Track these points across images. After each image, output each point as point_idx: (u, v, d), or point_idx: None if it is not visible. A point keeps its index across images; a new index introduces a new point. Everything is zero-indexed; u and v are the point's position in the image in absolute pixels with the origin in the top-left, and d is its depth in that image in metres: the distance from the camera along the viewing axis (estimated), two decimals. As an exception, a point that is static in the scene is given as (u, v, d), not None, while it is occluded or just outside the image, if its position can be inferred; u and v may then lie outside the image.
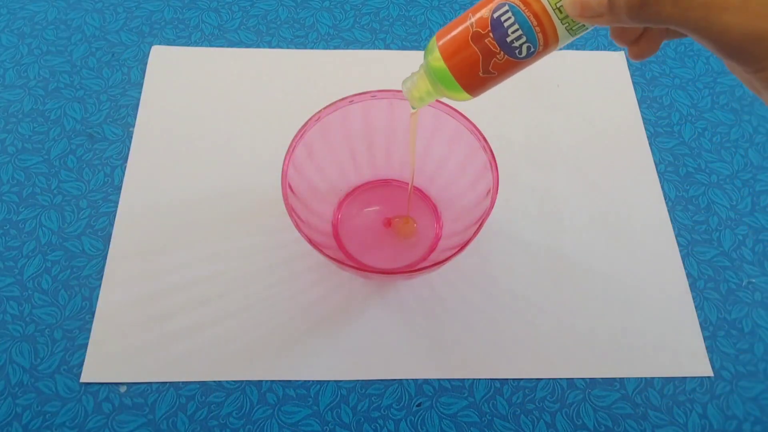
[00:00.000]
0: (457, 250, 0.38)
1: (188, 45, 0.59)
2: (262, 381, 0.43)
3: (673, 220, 0.51)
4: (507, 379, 0.44)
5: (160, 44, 0.59)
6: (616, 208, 0.51)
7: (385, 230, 0.49)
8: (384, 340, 0.45)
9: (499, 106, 0.56)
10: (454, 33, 0.30)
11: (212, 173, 0.52)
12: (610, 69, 0.59)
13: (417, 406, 0.43)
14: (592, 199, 0.51)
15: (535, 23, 0.28)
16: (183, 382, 0.43)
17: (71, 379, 0.43)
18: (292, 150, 0.41)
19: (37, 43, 0.58)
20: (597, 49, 0.60)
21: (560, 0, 0.27)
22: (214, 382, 0.43)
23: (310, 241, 0.38)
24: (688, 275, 0.48)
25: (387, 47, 0.59)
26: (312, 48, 0.59)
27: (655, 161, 0.53)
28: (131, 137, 0.53)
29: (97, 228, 0.49)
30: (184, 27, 0.60)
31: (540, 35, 0.28)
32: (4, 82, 0.56)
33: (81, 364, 0.43)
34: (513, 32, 0.28)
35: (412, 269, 0.43)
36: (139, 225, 0.49)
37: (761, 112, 0.57)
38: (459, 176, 0.46)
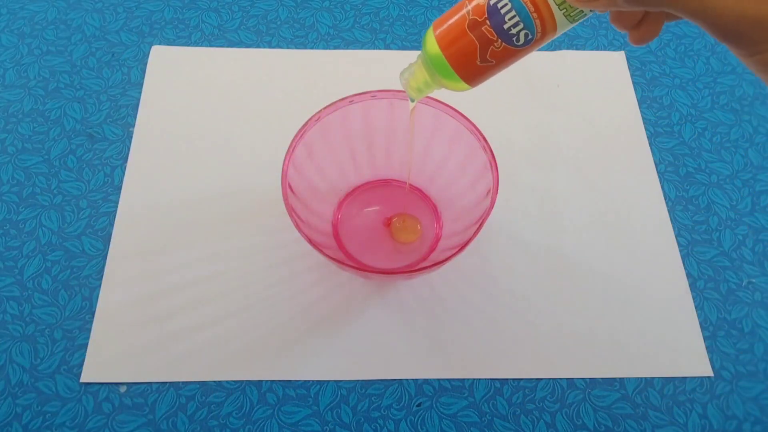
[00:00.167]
0: (457, 250, 0.38)
1: (188, 45, 0.59)
2: (262, 381, 0.43)
3: (673, 220, 0.51)
4: (507, 379, 0.44)
5: (160, 44, 0.59)
6: (616, 208, 0.51)
7: (385, 230, 0.49)
8: (384, 340, 0.45)
9: (499, 106, 0.56)
10: (450, 22, 0.30)
11: (212, 173, 0.52)
12: (610, 69, 0.59)
13: (417, 406, 0.43)
14: (592, 199, 0.51)
15: (532, 9, 0.27)
16: (183, 382, 0.43)
17: (71, 379, 0.43)
18: (292, 150, 0.41)
19: (37, 43, 0.58)
20: (597, 49, 0.60)
21: None
22: (214, 382, 0.43)
23: (310, 241, 0.38)
24: (688, 275, 0.48)
25: (387, 47, 0.59)
26: (312, 48, 0.59)
27: (655, 161, 0.53)
28: (131, 137, 0.53)
29: (97, 228, 0.49)
30: (184, 27, 0.60)
31: (538, 22, 0.28)
32: (4, 82, 0.56)
33: (81, 364, 0.43)
34: (510, 19, 0.28)
35: (412, 269, 0.43)
36: (139, 225, 0.49)
37: (761, 112, 0.57)
38: (459, 176, 0.46)
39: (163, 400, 0.43)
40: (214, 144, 0.53)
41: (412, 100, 0.38)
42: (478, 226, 0.39)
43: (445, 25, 0.30)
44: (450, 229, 0.48)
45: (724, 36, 0.25)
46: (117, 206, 0.50)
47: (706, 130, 0.56)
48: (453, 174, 0.46)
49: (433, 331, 0.45)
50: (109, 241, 0.48)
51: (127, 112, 0.55)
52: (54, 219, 0.49)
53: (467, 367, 0.44)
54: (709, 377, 0.44)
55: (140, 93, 0.56)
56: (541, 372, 0.44)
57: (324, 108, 0.42)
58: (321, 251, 0.38)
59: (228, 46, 0.59)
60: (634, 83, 0.58)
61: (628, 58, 0.59)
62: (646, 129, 0.55)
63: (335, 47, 0.59)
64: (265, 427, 0.42)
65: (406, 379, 0.44)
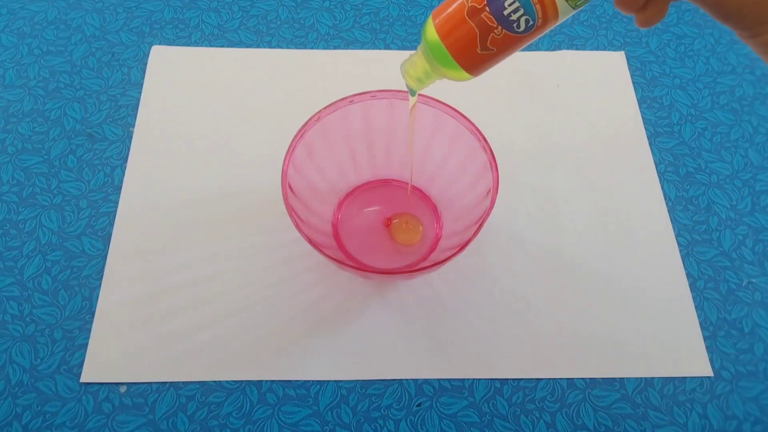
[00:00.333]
0: (457, 250, 0.38)
1: (188, 45, 0.59)
2: (262, 381, 0.43)
3: (673, 220, 0.51)
4: (507, 379, 0.44)
5: (160, 44, 0.59)
6: (616, 208, 0.51)
7: (385, 230, 0.49)
8: (384, 340, 0.45)
9: (499, 106, 0.56)
10: (449, 10, 0.29)
11: (212, 173, 0.52)
12: (610, 69, 0.59)
13: (417, 406, 0.43)
14: (592, 199, 0.51)
15: None
16: (183, 382, 0.43)
17: (71, 379, 0.43)
18: (292, 150, 0.41)
19: (37, 43, 0.58)
20: (597, 49, 0.60)
21: None
22: (214, 382, 0.43)
23: (310, 241, 0.38)
24: (688, 275, 0.48)
25: (387, 47, 0.59)
26: (312, 48, 0.59)
27: (655, 161, 0.53)
28: (131, 137, 0.53)
29: (97, 228, 0.49)
30: (184, 27, 0.60)
31: (538, 7, 0.27)
32: (4, 82, 0.56)
33: (81, 364, 0.43)
34: (510, 5, 0.27)
35: (412, 269, 0.43)
36: (139, 225, 0.49)
37: (761, 112, 0.57)
38: (459, 176, 0.46)
39: (163, 400, 0.43)
40: (214, 144, 0.53)
41: (413, 94, 0.36)
42: (478, 226, 0.39)
43: (445, 13, 0.29)
44: (450, 229, 0.48)
45: (726, 17, 0.25)
46: (117, 206, 0.50)
47: (706, 130, 0.56)
48: (453, 174, 0.46)
49: (433, 331, 0.45)
50: (109, 241, 0.48)
51: (127, 112, 0.55)
52: (54, 219, 0.49)
53: (467, 367, 0.44)
54: (709, 377, 0.44)
55: (140, 93, 0.56)
56: (541, 372, 0.44)
57: (324, 108, 0.42)
58: (321, 251, 0.38)
59: (228, 46, 0.59)
60: (634, 83, 0.58)
61: (628, 58, 0.59)
62: (646, 129, 0.55)
63: (335, 47, 0.59)
64: (265, 427, 0.42)
65: (406, 379, 0.44)
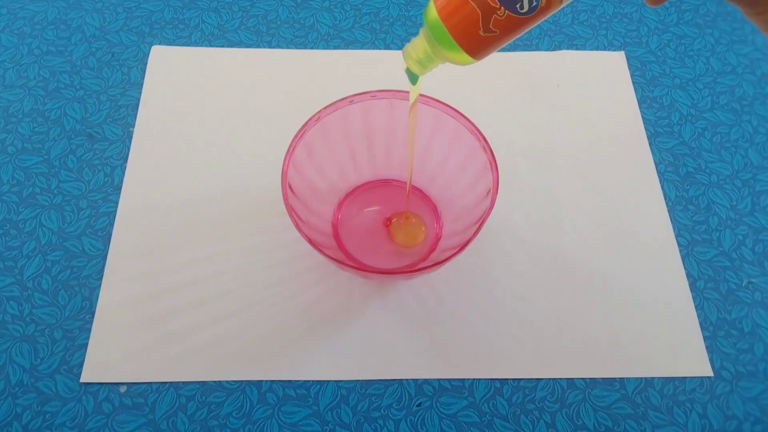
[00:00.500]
0: (457, 250, 0.38)
1: (188, 45, 0.59)
2: (262, 381, 0.43)
3: (673, 220, 0.51)
4: (507, 379, 0.44)
5: (160, 44, 0.59)
6: (616, 208, 0.51)
7: (385, 230, 0.49)
8: (384, 340, 0.45)
9: (499, 106, 0.56)
10: None
11: (212, 173, 0.52)
12: (610, 69, 0.59)
13: (417, 406, 0.43)
14: (592, 199, 0.51)
15: None
16: (183, 382, 0.43)
17: (71, 379, 0.43)
18: (292, 150, 0.41)
19: (37, 43, 0.58)
20: (597, 49, 0.60)
21: None
22: (214, 382, 0.43)
23: (310, 241, 0.38)
24: (688, 275, 0.48)
25: (387, 47, 0.59)
26: (312, 48, 0.59)
27: (655, 161, 0.53)
28: (131, 137, 0.53)
29: (97, 228, 0.49)
30: (184, 27, 0.60)
31: None
32: (4, 82, 0.56)
33: (81, 364, 0.43)
34: None
35: (412, 269, 0.43)
36: (139, 225, 0.49)
37: (761, 112, 0.57)
38: (459, 176, 0.46)
39: (163, 400, 0.43)
40: (214, 144, 0.53)
41: (414, 81, 0.35)
42: (478, 226, 0.39)
43: None
44: (450, 229, 0.48)
45: None
46: (117, 206, 0.50)
47: (706, 130, 0.56)
48: (453, 174, 0.46)
49: (433, 331, 0.45)
50: (109, 241, 0.48)
51: (127, 112, 0.55)
52: (54, 219, 0.49)
53: (467, 367, 0.44)
54: (709, 377, 0.44)
55: (140, 93, 0.56)
56: (541, 372, 0.44)
57: (324, 108, 0.42)
58: (321, 251, 0.38)
59: (228, 46, 0.59)
60: (634, 83, 0.58)
61: (628, 58, 0.59)
62: (646, 129, 0.55)
63: (335, 47, 0.59)
64: (265, 427, 0.42)
65: (406, 379, 0.44)
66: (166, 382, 0.43)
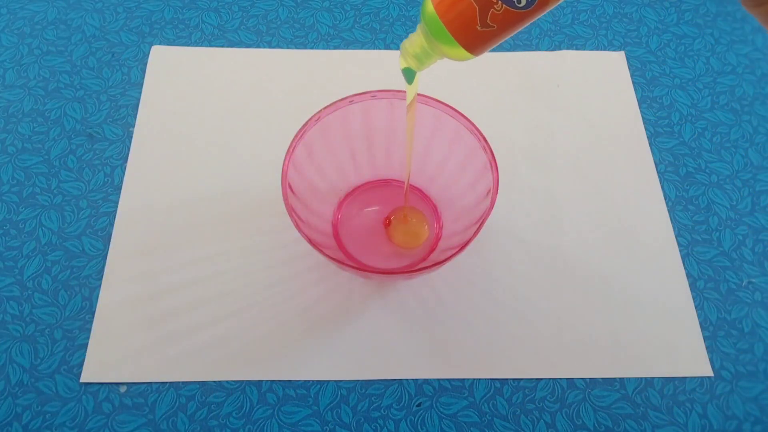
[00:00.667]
0: (457, 250, 0.38)
1: (188, 45, 0.59)
2: (262, 381, 0.43)
3: (673, 220, 0.51)
4: (507, 379, 0.44)
5: (160, 44, 0.59)
6: (616, 208, 0.51)
7: (385, 230, 0.49)
8: (384, 340, 0.45)
9: (499, 106, 0.56)
10: None
11: (212, 173, 0.52)
12: (610, 69, 0.59)
13: (417, 406, 0.43)
14: (592, 199, 0.51)
15: None
16: (183, 382, 0.43)
17: (71, 379, 0.43)
18: (292, 150, 0.41)
19: (37, 43, 0.58)
20: (597, 49, 0.60)
21: None
22: (214, 382, 0.43)
23: (310, 241, 0.38)
24: (688, 275, 0.48)
25: (387, 47, 0.59)
26: (312, 48, 0.59)
27: (655, 161, 0.53)
28: (131, 137, 0.53)
29: (97, 228, 0.49)
30: (184, 27, 0.60)
31: None
32: (4, 82, 0.56)
33: (81, 364, 0.43)
34: None
35: (412, 269, 0.43)
36: (139, 225, 0.49)
37: (761, 112, 0.57)
38: (459, 176, 0.46)
39: (163, 400, 0.43)
40: (214, 144, 0.53)
41: (410, 81, 0.35)
42: (478, 226, 0.39)
43: None
44: (450, 229, 0.48)
45: None
46: (117, 206, 0.50)
47: (706, 130, 0.56)
48: (453, 174, 0.46)
49: (433, 331, 0.45)
50: (109, 241, 0.48)
51: (127, 112, 0.55)
52: (54, 219, 0.49)
53: (467, 367, 0.44)
54: (709, 377, 0.44)
55: (140, 93, 0.56)
56: (541, 372, 0.44)
57: (324, 108, 0.42)
58: (321, 251, 0.38)
59: (228, 46, 0.59)
60: (634, 83, 0.58)
61: (628, 58, 0.59)
62: (646, 129, 0.55)
63: (335, 47, 0.59)
64: (265, 427, 0.42)
65: (406, 379, 0.44)
66: (166, 382, 0.43)
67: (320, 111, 0.42)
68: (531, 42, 0.60)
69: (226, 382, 0.43)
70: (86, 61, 0.58)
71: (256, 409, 0.43)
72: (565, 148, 0.54)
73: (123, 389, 0.43)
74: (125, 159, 0.52)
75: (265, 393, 0.43)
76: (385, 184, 0.51)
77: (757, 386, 0.44)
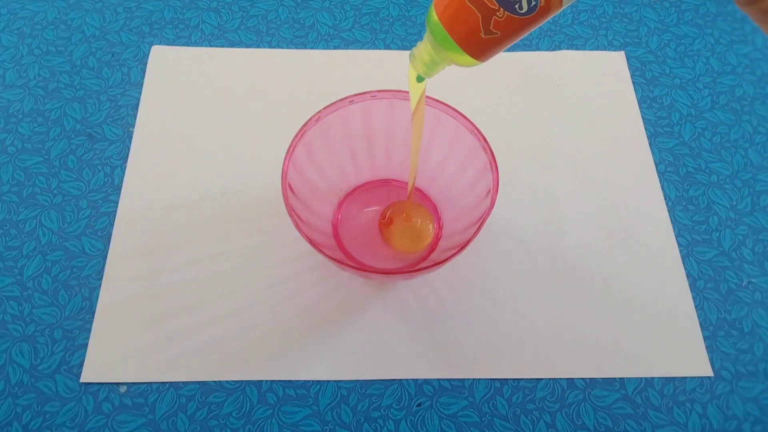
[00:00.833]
0: (457, 250, 0.38)
1: (188, 45, 0.59)
2: (262, 381, 0.43)
3: (673, 220, 0.51)
4: (507, 379, 0.44)
5: (160, 44, 0.59)
6: (616, 208, 0.51)
7: (381, 233, 0.49)
8: (384, 340, 0.45)
9: (499, 106, 0.56)
10: None
11: (212, 173, 0.52)
12: (610, 69, 0.59)
13: (417, 406, 0.43)
14: (592, 199, 0.51)
15: None
16: (183, 382, 0.43)
17: (71, 379, 0.43)
18: (292, 150, 0.41)
19: (37, 43, 0.58)
20: (597, 49, 0.60)
21: None
22: (214, 382, 0.43)
23: (310, 241, 0.38)
24: (688, 275, 0.48)
25: (387, 47, 0.59)
26: (312, 48, 0.59)
27: (655, 161, 0.53)
28: (131, 137, 0.53)
29: (97, 228, 0.49)
30: (184, 27, 0.60)
31: None
32: (4, 82, 0.56)
33: (81, 364, 0.43)
34: None
35: (412, 269, 0.43)
36: (139, 225, 0.49)
37: (761, 112, 0.57)
38: (459, 176, 0.46)
39: (163, 400, 0.43)
40: (214, 144, 0.53)
41: (418, 81, 0.35)
42: (478, 226, 0.39)
43: None
44: (450, 229, 0.48)
45: None
46: (117, 206, 0.50)
47: (706, 130, 0.56)
48: (453, 174, 0.46)
49: (433, 331, 0.45)
50: (109, 241, 0.48)
51: (127, 112, 0.55)
52: (54, 219, 0.49)
53: (467, 367, 0.44)
54: (709, 377, 0.44)
55: (140, 93, 0.56)
56: (541, 372, 0.44)
57: (324, 108, 0.42)
58: (321, 251, 0.38)
59: (228, 46, 0.59)
60: (634, 83, 0.58)
61: (628, 58, 0.59)
62: (646, 129, 0.55)
63: (335, 47, 0.59)
64: (265, 427, 0.42)
65: (406, 379, 0.44)
66: (166, 382, 0.43)
67: (320, 111, 0.42)
68: (531, 42, 0.60)
69: (226, 382, 0.43)
70: (86, 61, 0.58)
71: (256, 409, 0.43)
72: (565, 148, 0.54)
73: (123, 389, 0.43)
74: (125, 159, 0.52)
75: (265, 393, 0.43)
76: (385, 184, 0.51)
77: (757, 386, 0.44)
